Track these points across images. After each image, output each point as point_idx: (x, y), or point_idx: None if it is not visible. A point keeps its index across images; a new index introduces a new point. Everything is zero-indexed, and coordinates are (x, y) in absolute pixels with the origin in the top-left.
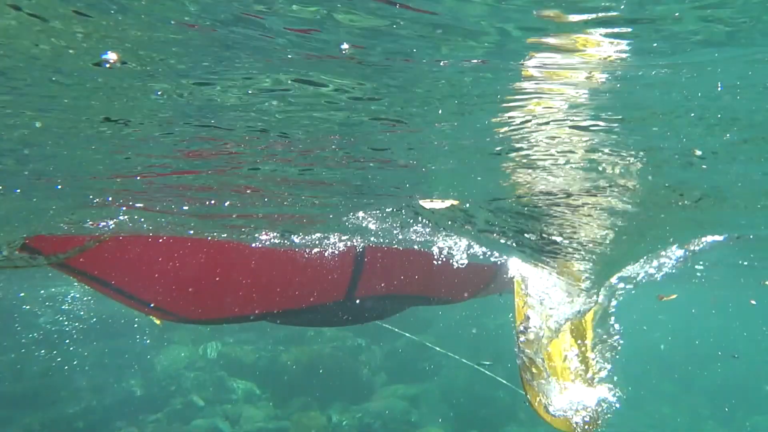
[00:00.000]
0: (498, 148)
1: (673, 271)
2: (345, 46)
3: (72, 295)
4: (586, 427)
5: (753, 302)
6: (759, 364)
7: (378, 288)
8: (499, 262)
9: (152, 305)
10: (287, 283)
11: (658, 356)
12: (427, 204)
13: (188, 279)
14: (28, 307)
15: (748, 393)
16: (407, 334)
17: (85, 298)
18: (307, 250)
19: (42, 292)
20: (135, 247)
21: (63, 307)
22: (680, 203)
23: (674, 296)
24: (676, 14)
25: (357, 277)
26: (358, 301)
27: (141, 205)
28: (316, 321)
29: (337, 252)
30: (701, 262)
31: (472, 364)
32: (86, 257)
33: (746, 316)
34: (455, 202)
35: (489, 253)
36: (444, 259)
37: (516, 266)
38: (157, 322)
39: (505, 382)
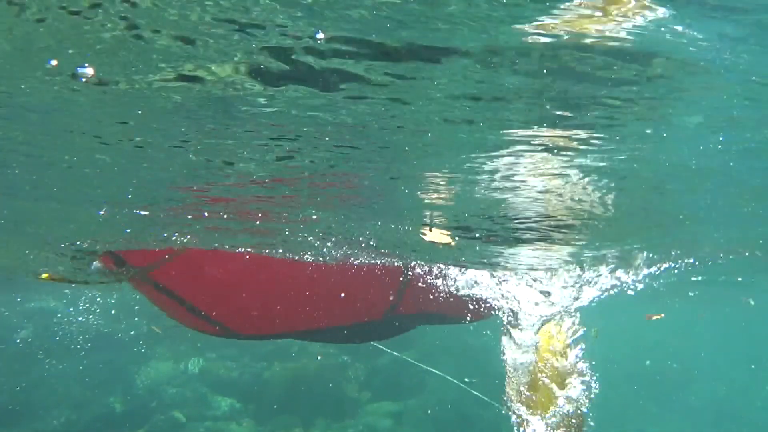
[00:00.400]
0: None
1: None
2: (320, 35)
3: (52, 308)
4: None
5: (751, 302)
6: (744, 384)
7: (413, 307)
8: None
9: (218, 322)
10: (343, 299)
11: (641, 373)
12: (427, 236)
13: (254, 294)
14: (6, 312)
15: (734, 416)
16: (393, 352)
17: (64, 313)
18: (358, 266)
19: (21, 304)
20: (207, 261)
21: (42, 321)
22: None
23: (662, 315)
24: None
25: (401, 295)
26: (392, 321)
27: (146, 213)
28: (336, 339)
29: (385, 268)
30: (695, 277)
31: (457, 382)
32: (163, 271)
33: (731, 334)
34: (452, 243)
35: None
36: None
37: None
38: (158, 330)
39: (489, 400)
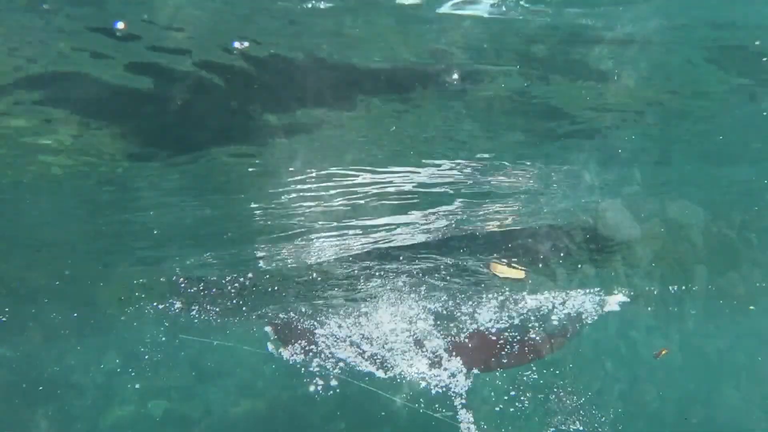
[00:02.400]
0: None
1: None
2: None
3: (5, 355)
4: None
5: (751, 307)
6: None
7: None
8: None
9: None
10: None
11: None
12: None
13: None
14: None
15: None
16: (361, 383)
17: (22, 358)
18: None
19: None
20: None
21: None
22: None
23: (668, 350)
24: None
25: None
26: None
27: None
28: None
29: None
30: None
31: (431, 413)
32: None
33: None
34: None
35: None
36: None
37: None
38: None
39: (460, 426)
